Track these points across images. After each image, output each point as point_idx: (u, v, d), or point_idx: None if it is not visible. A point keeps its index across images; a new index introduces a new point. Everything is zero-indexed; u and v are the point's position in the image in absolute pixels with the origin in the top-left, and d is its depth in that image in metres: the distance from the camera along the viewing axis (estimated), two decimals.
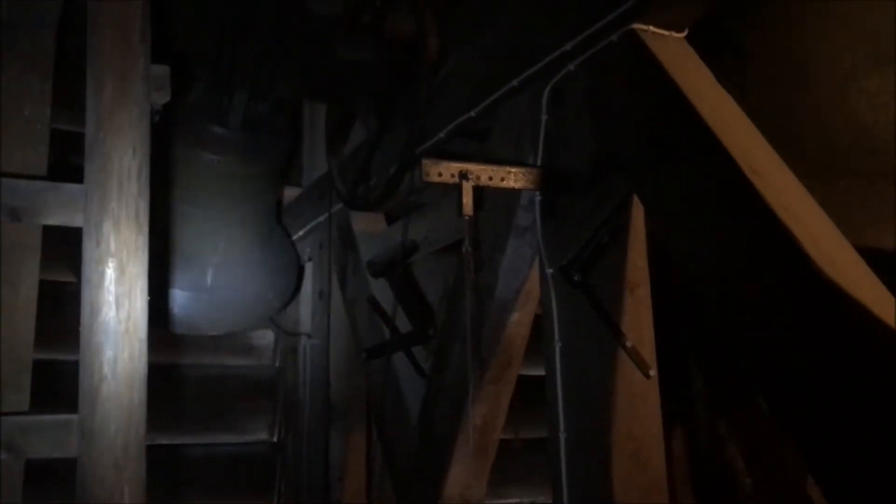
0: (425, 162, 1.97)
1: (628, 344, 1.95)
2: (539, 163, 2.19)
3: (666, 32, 1.91)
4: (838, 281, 1.45)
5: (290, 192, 4.21)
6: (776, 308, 1.54)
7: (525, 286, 2.39)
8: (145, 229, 1.59)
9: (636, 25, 1.89)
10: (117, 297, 1.55)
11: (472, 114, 2.53)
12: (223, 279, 3.58)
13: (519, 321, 2.45)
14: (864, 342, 1.42)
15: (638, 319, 2.00)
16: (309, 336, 3.92)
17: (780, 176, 1.70)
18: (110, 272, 1.53)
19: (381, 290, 3.20)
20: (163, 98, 1.58)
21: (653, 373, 1.97)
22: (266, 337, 4.38)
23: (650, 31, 1.90)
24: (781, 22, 2.09)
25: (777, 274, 1.55)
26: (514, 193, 2.26)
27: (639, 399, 1.98)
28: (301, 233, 3.99)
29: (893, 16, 2.41)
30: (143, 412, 1.75)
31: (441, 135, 2.66)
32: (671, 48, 1.90)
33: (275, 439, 4.38)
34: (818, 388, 1.48)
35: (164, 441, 4.08)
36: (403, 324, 3.09)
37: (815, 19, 2.41)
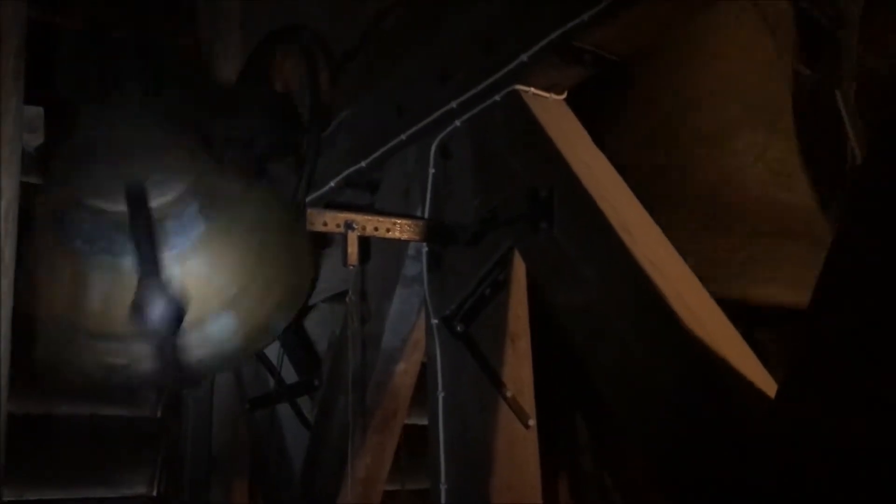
0: (310, 211, 1.98)
1: (508, 394, 1.99)
2: (426, 215, 2.23)
3: (546, 94, 2.00)
4: (699, 333, 1.53)
5: None
6: (643, 360, 1.60)
7: (412, 336, 2.41)
8: (10, 273, 1.52)
9: (518, 87, 1.97)
10: None
11: (363, 165, 2.56)
12: None
13: (405, 371, 2.46)
14: (723, 393, 1.49)
15: (518, 370, 2.04)
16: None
17: (649, 234, 1.79)
18: None
19: None
20: (35, 140, 1.54)
21: (532, 423, 2.01)
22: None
23: (531, 93, 1.98)
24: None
25: (643, 327, 1.62)
26: (402, 244, 2.29)
27: (518, 449, 2.02)
28: None
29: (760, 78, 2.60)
30: None
31: (331, 184, 2.67)
32: (551, 109, 1.99)
33: (154, 493, 4.19)
34: (683, 435, 1.54)
35: (32, 497, 3.84)
36: (290, 374, 3.05)
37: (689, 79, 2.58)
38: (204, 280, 2.57)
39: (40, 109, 1.57)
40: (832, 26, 2.85)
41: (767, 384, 1.53)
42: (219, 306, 2.60)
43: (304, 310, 3.13)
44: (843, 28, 2.84)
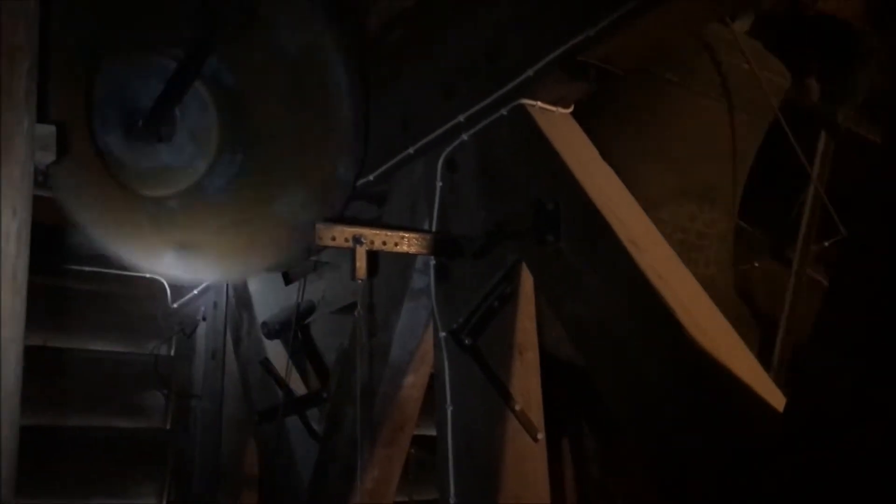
0: (319, 226, 1.99)
1: (517, 407, 2.00)
2: (433, 228, 2.24)
3: (553, 108, 2.01)
4: (705, 345, 1.54)
5: None
6: (650, 370, 1.61)
7: (419, 349, 2.41)
8: (23, 292, 1.54)
9: (524, 101, 1.98)
10: None
11: (370, 178, 2.57)
12: None
13: (413, 384, 2.46)
14: (728, 402, 1.50)
15: (527, 383, 2.05)
16: (200, 398, 3.82)
17: (657, 247, 1.80)
18: None
19: (276, 350, 3.16)
20: (47, 158, 1.56)
21: (540, 436, 2.01)
22: (156, 398, 4.24)
23: (538, 107, 1.99)
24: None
25: (650, 339, 1.63)
26: (409, 257, 2.30)
27: (527, 462, 2.02)
28: (196, 291, 3.91)
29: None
30: (11, 485, 1.67)
31: None
32: (557, 123, 2.00)
33: None
34: (688, 444, 1.55)
35: None
36: (299, 386, 3.06)
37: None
38: None
39: (52, 128, 1.59)
40: (853, 60, 2.86)
41: (772, 394, 1.53)
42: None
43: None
44: (863, 65, 2.86)
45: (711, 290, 2.30)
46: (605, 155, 1.98)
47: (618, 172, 1.96)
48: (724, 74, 2.56)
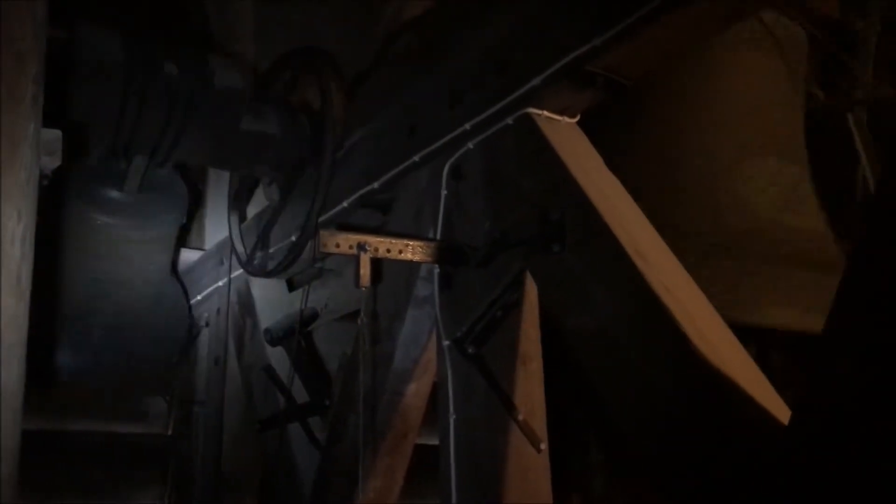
0: (323, 233, 1.99)
1: (520, 417, 1.98)
2: (438, 236, 2.23)
3: (559, 117, 2.01)
4: (710, 358, 1.53)
5: (191, 255, 4.13)
6: (654, 381, 1.60)
7: (423, 357, 2.41)
8: (26, 296, 1.54)
9: (531, 110, 1.98)
10: None
11: (375, 185, 2.57)
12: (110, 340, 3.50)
13: (416, 392, 2.45)
14: (733, 416, 1.49)
15: (530, 393, 2.03)
16: (203, 403, 3.81)
17: (662, 258, 1.79)
18: None
19: (279, 357, 3.15)
20: (53, 163, 1.56)
21: (543, 446, 2.00)
22: (159, 404, 4.23)
23: (544, 116, 1.99)
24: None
25: (655, 351, 1.62)
26: (414, 265, 2.29)
27: (530, 472, 2.01)
28: (199, 297, 3.90)
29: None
30: (12, 487, 1.66)
31: (344, 204, 2.69)
32: (563, 132, 1.99)
33: None
34: (693, 457, 1.54)
35: None
36: (301, 393, 3.05)
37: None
38: None
39: (58, 132, 1.59)
40: (847, 54, 2.87)
41: (778, 408, 1.52)
42: None
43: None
44: (858, 56, 2.86)
45: (821, 243, 2.33)
46: (684, 119, 2.00)
47: (698, 127, 1.97)
48: (768, 25, 2.58)
